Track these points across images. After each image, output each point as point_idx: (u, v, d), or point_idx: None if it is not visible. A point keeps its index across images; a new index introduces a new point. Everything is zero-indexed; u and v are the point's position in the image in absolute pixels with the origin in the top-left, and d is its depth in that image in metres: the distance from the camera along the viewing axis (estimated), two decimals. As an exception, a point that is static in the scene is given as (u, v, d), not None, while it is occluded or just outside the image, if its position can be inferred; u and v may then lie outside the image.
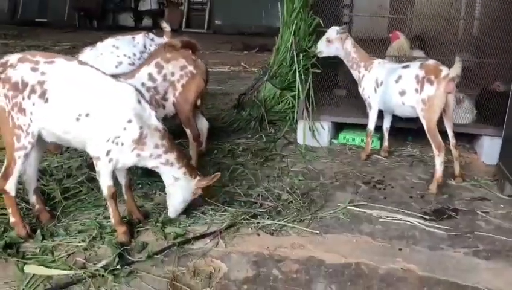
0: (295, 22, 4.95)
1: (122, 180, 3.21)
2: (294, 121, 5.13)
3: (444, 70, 3.80)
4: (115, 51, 4.91)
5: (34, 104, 2.78)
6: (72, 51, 10.23)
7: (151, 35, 5.24)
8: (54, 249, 2.95)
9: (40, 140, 2.95)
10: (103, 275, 2.68)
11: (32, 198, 3.19)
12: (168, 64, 3.84)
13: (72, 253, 2.91)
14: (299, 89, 4.89)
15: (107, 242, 2.99)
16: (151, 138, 2.97)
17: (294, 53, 4.92)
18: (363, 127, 4.87)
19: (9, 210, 2.99)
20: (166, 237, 3.12)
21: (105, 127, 2.85)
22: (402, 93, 4.02)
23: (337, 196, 3.79)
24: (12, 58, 2.82)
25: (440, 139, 3.84)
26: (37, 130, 2.86)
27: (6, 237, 2.99)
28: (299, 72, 4.88)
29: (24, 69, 2.77)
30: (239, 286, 2.70)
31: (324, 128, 4.88)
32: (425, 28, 5.50)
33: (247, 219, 3.34)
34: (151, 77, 3.77)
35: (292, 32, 4.97)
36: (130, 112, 2.87)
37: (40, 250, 2.92)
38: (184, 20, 14.26)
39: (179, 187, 3.16)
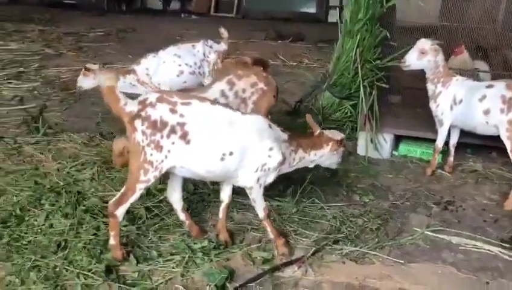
0: (359, 32, 4.91)
1: (226, 199, 3.35)
2: (354, 131, 5.13)
3: None
4: (177, 60, 5.08)
5: (173, 144, 2.90)
6: (107, 38, 10.26)
7: (209, 42, 5.34)
8: (151, 273, 3.04)
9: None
10: (207, 306, 2.77)
11: (182, 215, 3.42)
12: (240, 81, 3.88)
13: (170, 279, 3.01)
14: (362, 102, 4.85)
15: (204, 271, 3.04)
16: (286, 151, 3.23)
17: (359, 65, 4.88)
18: (423, 139, 4.88)
19: (112, 233, 3.09)
20: (254, 262, 3.20)
21: (251, 161, 3.06)
22: (486, 112, 4.02)
23: (411, 219, 3.83)
24: (151, 97, 2.94)
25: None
26: (167, 167, 2.99)
27: (103, 259, 3.09)
28: (363, 85, 4.84)
29: (163, 110, 2.89)
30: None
31: (386, 141, 4.88)
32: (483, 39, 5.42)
33: (330, 245, 3.41)
34: (223, 94, 3.83)
35: (356, 43, 4.94)
36: (269, 140, 3.09)
37: (138, 275, 3.01)
38: (213, 4, 14.13)
39: (321, 161, 3.49)
